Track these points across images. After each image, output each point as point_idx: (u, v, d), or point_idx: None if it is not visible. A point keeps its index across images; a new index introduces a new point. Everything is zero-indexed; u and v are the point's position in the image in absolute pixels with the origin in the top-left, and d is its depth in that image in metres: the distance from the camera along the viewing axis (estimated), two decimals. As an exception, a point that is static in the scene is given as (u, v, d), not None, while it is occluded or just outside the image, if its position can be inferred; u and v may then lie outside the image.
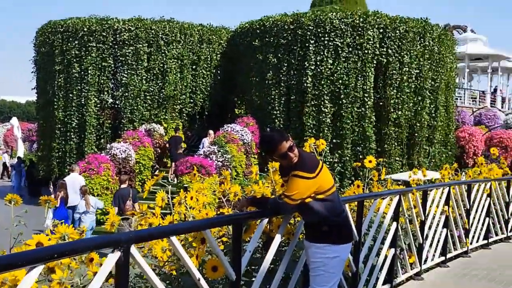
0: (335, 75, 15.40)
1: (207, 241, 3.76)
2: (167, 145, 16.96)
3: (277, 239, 4.33)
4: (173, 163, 15.76)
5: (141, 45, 18.51)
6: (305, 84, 15.46)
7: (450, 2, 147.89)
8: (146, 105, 18.67)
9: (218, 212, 5.13)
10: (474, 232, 8.80)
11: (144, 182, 16.46)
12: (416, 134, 15.88)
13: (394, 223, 6.31)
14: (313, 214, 4.09)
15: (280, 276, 4.33)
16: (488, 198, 9.21)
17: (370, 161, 7.69)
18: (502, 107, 32.69)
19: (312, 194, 4.02)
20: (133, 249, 2.97)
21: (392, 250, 6.23)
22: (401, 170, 15.64)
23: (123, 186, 11.90)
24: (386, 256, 6.12)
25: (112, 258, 2.84)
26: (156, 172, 17.42)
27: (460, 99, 28.97)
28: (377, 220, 6.02)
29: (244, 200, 4.37)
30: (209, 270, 3.86)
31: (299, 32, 15.73)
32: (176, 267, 4.41)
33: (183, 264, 4.35)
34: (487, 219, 9.17)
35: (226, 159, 13.76)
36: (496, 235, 9.62)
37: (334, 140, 14.88)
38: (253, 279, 4.17)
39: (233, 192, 5.15)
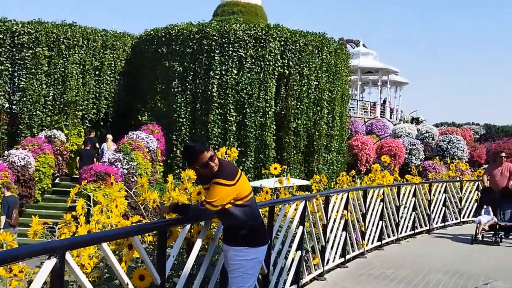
0: (240, 85, 15.82)
1: (134, 247, 3.90)
2: (82, 147, 16.58)
3: (198, 244, 4.54)
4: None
5: (40, 49, 17.84)
6: (210, 93, 15.73)
7: (344, 16, 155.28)
8: (46, 110, 18.03)
9: (136, 220, 5.23)
10: (370, 235, 9.49)
11: (44, 190, 15.85)
12: (315, 143, 16.69)
13: (301, 227, 6.72)
14: (233, 219, 4.30)
15: (201, 279, 4.54)
16: (382, 203, 9.98)
17: (275, 168, 8.18)
18: (390, 117, 34.94)
19: (232, 200, 4.22)
20: (68, 256, 3.01)
21: (299, 253, 6.63)
22: (298, 177, 16.34)
23: (8, 193, 11.43)
24: (293, 259, 6.51)
25: (49, 265, 2.86)
26: (57, 180, 16.87)
27: (353, 109, 30.68)
28: (286, 225, 6.41)
29: (165, 207, 4.50)
30: (136, 279, 3.99)
31: (205, 42, 15.99)
32: (98, 275, 4.48)
33: (108, 271, 4.49)
34: (380, 222, 9.90)
35: (132, 166, 13.68)
36: (388, 237, 10.41)
37: (239, 148, 15.29)
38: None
39: (152, 199, 5.29)
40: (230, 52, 15.99)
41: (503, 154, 12.01)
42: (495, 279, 7.57)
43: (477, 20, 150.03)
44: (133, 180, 12.96)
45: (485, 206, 11.19)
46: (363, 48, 39.16)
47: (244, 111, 15.75)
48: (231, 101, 15.76)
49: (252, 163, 15.54)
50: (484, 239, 10.78)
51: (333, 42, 18.44)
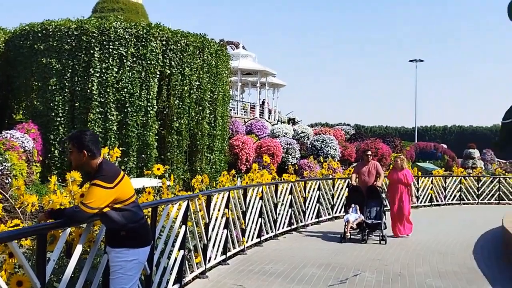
0: (120, 83, 15.50)
1: (14, 254, 3.81)
2: None
3: (79, 247, 4.52)
4: None
5: None
6: (90, 91, 15.27)
7: (223, 19, 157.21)
8: None
9: (13, 225, 5.07)
10: (250, 232, 9.88)
11: None
12: (197, 142, 16.83)
13: (183, 227, 6.89)
14: (112, 222, 4.30)
15: (82, 283, 4.52)
16: (261, 201, 10.42)
17: (158, 169, 8.27)
18: (269, 118, 36.03)
19: (110, 204, 4.19)
20: None
21: (182, 252, 6.79)
22: (182, 177, 16.39)
23: None
24: (176, 258, 6.66)
25: None
26: None
27: (234, 110, 31.30)
28: (169, 225, 6.54)
29: (42, 215, 4.34)
30: (14, 285, 3.89)
31: (84, 39, 15.48)
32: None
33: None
34: (260, 219, 10.35)
35: (6, 167, 12.88)
36: (267, 233, 10.88)
37: (120, 148, 14.94)
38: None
39: (31, 203, 5.15)
40: (111, 50, 15.62)
41: (369, 153, 12.50)
42: (364, 271, 8.26)
43: (352, 28, 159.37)
44: (7, 182, 12.23)
45: (352, 205, 11.52)
46: (243, 50, 40.03)
47: (126, 110, 15.47)
48: (111, 100, 15.40)
49: (134, 163, 15.33)
50: (352, 236, 11.18)
51: (214, 43, 18.68)
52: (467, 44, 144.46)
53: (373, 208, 11.58)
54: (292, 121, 34.99)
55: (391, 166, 12.42)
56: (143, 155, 15.54)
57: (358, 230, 11.31)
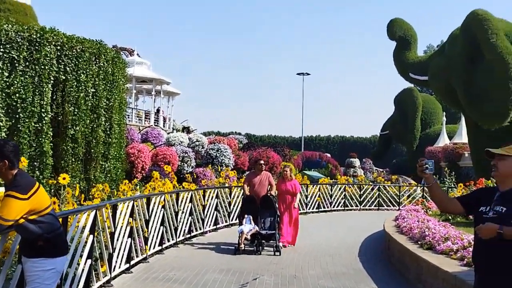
0: (12, 88, 14.89)
1: None
2: None
3: (-6, 259, 4.56)
4: None
5: None
6: (-23, 96, 14.51)
7: (114, 23, 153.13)
8: None
9: None
10: (152, 240, 10.07)
11: None
12: (92, 150, 16.53)
13: (91, 236, 7.00)
14: (28, 233, 4.34)
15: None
16: (163, 209, 10.64)
17: (64, 178, 8.27)
18: (164, 126, 35.96)
19: (25, 215, 4.19)
20: None
21: (89, 261, 6.90)
22: (79, 184, 15.99)
23: None
24: (83, 268, 6.76)
25: None
26: None
27: (129, 117, 30.91)
28: (77, 234, 6.63)
29: None
30: None
31: (-29, 41, 14.71)
32: None
33: None
34: (161, 227, 10.56)
35: None
36: (168, 241, 11.12)
37: (12, 156, 14.23)
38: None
39: None
40: (1, 54, 14.94)
41: (262, 162, 12.12)
42: (262, 275, 8.80)
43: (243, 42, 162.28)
44: None
45: (246, 215, 11.26)
46: (138, 58, 39.62)
47: (17, 116, 14.86)
48: (1, 105, 14.73)
49: (26, 171, 14.75)
50: (246, 248, 10.95)
51: (110, 50, 18.47)
52: (348, 60, 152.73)
53: (267, 219, 11.44)
54: (186, 130, 35.15)
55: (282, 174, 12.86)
56: (36, 163, 15.03)
57: (252, 241, 11.11)
